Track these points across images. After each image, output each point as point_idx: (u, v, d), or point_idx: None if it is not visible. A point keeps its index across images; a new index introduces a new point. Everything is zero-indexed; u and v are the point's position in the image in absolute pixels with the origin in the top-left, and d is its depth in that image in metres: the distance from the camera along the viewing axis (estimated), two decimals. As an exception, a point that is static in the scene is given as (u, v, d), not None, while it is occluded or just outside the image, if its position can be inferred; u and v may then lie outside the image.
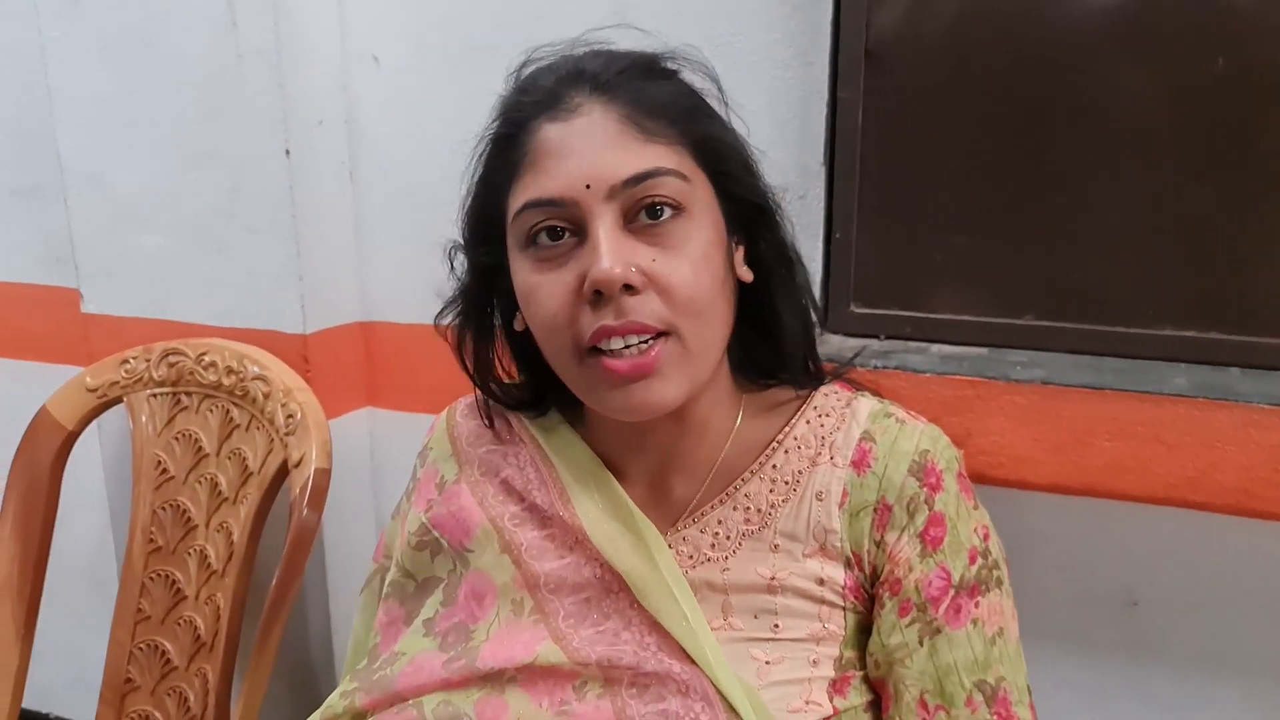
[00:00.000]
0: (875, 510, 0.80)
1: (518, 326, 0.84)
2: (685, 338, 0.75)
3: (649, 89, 0.77)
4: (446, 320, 0.90)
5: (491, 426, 0.92)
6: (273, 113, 1.28)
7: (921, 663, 0.78)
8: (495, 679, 0.82)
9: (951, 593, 0.79)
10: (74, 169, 1.40)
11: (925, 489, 0.80)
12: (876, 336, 1.18)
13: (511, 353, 0.91)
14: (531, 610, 0.83)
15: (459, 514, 0.89)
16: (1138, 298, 1.08)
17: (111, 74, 1.35)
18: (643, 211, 0.74)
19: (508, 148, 0.79)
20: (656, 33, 0.85)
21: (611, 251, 0.72)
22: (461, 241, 0.86)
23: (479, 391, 0.92)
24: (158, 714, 1.33)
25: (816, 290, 1.20)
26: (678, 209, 0.75)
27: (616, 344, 0.73)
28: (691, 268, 0.75)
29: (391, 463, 1.47)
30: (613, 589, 0.82)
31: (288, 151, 1.29)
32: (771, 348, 0.87)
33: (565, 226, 0.75)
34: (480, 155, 0.83)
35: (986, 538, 0.82)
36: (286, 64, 1.28)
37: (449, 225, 1.34)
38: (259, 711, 1.14)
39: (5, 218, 1.62)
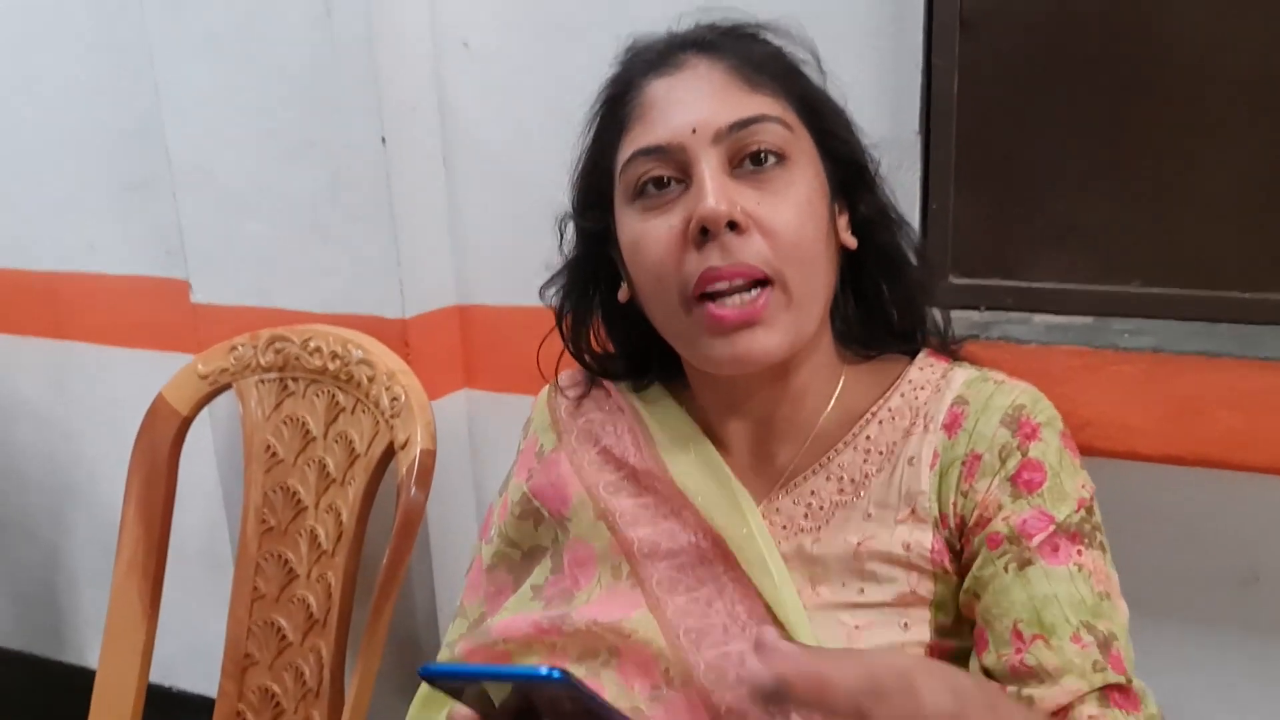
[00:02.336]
0: (964, 462, 0.78)
1: (622, 297, 0.85)
2: (790, 285, 0.75)
3: (754, 47, 0.81)
4: (550, 292, 0.92)
5: (588, 395, 0.94)
6: (368, 101, 1.31)
7: (1015, 591, 0.73)
8: (590, 654, 0.84)
9: (1052, 529, 0.75)
10: (182, 163, 1.45)
11: (1019, 438, 0.78)
12: (977, 308, 1.16)
13: (610, 329, 0.92)
14: (628, 574, 0.85)
15: (557, 482, 0.91)
16: (1252, 260, 1.04)
17: (215, 69, 1.39)
18: (748, 158, 0.76)
19: (617, 106, 0.82)
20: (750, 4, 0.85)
21: (717, 190, 0.73)
22: (571, 210, 0.88)
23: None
24: (276, 687, 1.38)
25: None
26: (781, 157, 0.76)
27: (722, 286, 0.74)
28: (796, 213, 0.75)
29: (489, 443, 1.49)
30: (706, 556, 0.83)
31: (384, 140, 1.32)
32: (875, 317, 0.87)
33: (672, 175, 0.77)
34: (590, 121, 0.85)
35: (1092, 498, 0.78)
36: (380, 53, 1.30)
37: (541, 208, 1.35)
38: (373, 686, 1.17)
39: (118, 212, 1.68)
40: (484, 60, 1.36)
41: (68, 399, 1.84)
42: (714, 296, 0.75)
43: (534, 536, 0.95)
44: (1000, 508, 0.76)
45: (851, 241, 0.83)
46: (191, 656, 1.69)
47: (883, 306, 0.87)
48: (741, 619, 0.80)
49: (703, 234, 0.74)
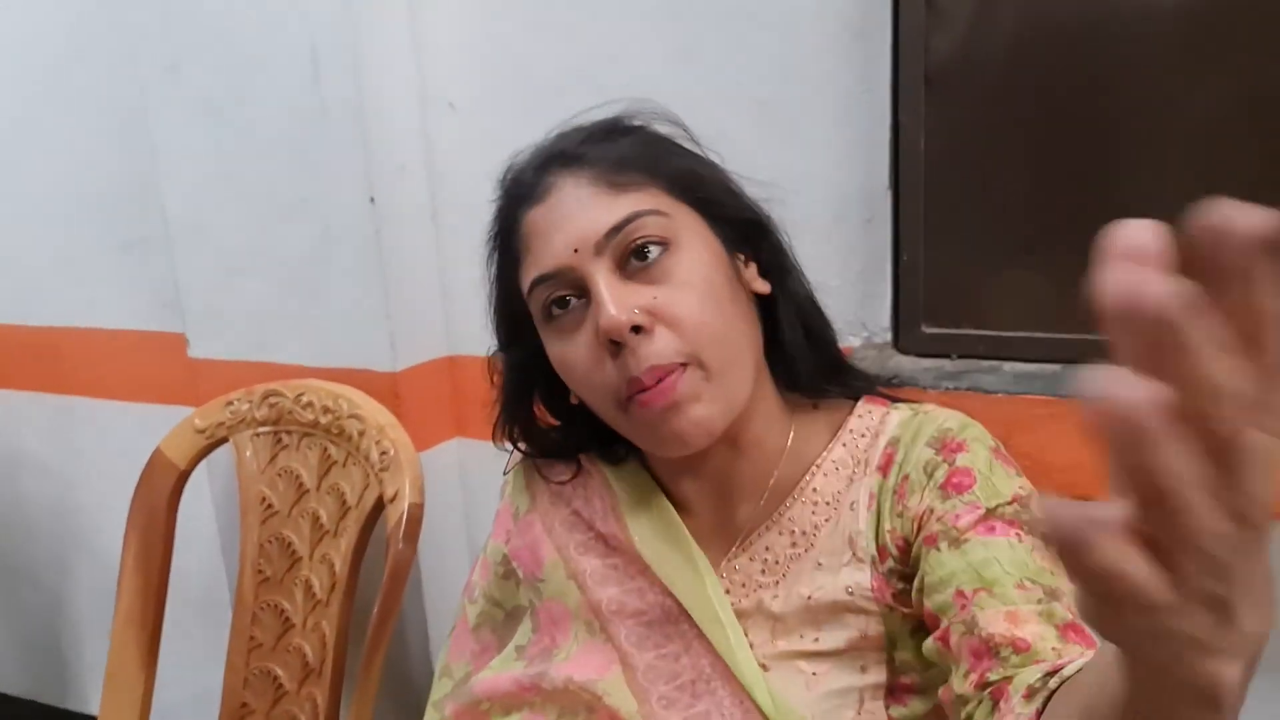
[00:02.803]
0: (895, 491, 0.80)
1: (574, 400, 0.88)
2: (706, 363, 0.77)
3: (612, 148, 0.81)
4: (499, 430, 0.94)
5: (566, 465, 0.96)
6: (356, 161, 1.35)
7: (952, 563, 0.73)
8: (569, 713, 0.86)
9: (982, 512, 0.75)
10: (179, 221, 1.49)
11: (944, 454, 0.79)
12: (949, 356, 1.19)
13: (565, 428, 0.93)
14: (600, 630, 0.88)
15: (532, 544, 0.94)
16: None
17: (210, 131, 1.43)
18: (632, 256, 0.77)
19: (507, 243, 0.85)
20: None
21: (611, 299, 0.76)
22: (497, 343, 0.91)
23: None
24: (272, 736, 1.40)
25: (886, 312, 1.21)
26: (664, 244, 0.78)
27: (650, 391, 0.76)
28: (695, 295, 0.77)
29: (482, 490, 1.52)
30: (672, 615, 0.85)
31: (372, 199, 1.36)
32: (804, 360, 0.89)
33: (570, 293, 0.79)
34: (487, 259, 0.88)
35: (1031, 498, 0.77)
36: (368, 114, 1.34)
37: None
38: (365, 735, 1.19)
39: (117, 269, 1.72)
40: (469, 119, 1.40)
41: (70, 451, 1.88)
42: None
43: (515, 596, 0.97)
44: (932, 511, 0.77)
45: (763, 287, 0.85)
46: (193, 703, 1.71)
47: (807, 346, 0.88)
48: (706, 673, 0.83)
49: (613, 344, 0.76)
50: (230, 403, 1.45)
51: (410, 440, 1.28)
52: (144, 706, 1.45)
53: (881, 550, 0.80)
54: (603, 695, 0.84)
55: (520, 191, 0.84)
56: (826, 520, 0.84)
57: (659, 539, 0.87)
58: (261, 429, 1.42)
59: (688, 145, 0.86)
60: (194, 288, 1.52)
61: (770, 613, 0.84)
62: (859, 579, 0.80)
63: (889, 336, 1.22)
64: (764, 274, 0.86)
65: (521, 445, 0.94)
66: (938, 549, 0.75)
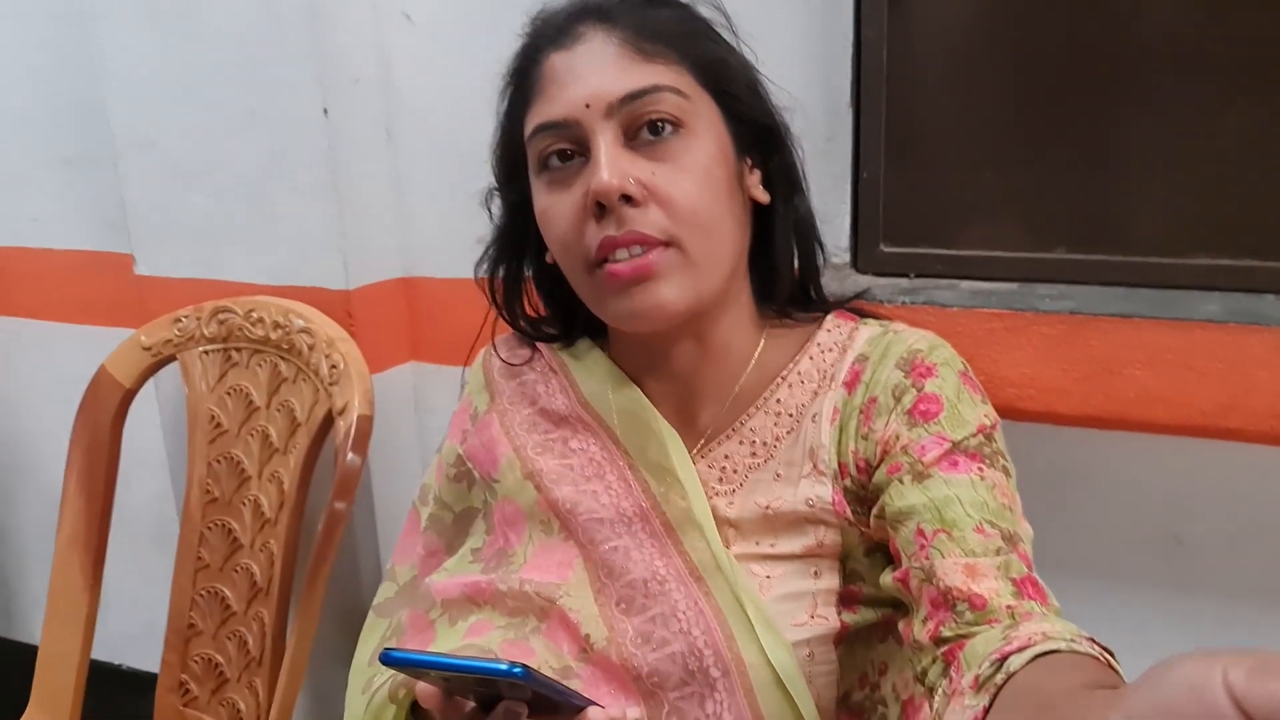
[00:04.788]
0: (861, 410, 0.80)
1: (548, 259, 0.87)
2: (687, 249, 0.77)
3: (650, 14, 0.80)
4: (483, 266, 0.93)
5: (525, 360, 0.95)
6: (310, 73, 1.31)
7: (914, 497, 0.74)
8: (519, 614, 0.86)
9: (947, 447, 0.75)
10: (124, 135, 1.45)
11: (913, 377, 0.79)
12: (907, 275, 1.18)
13: (539, 290, 0.94)
14: (559, 529, 0.87)
15: (489, 444, 0.93)
16: (1170, 227, 1.07)
17: (156, 40, 1.38)
18: (644, 128, 0.77)
19: (522, 81, 0.83)
20: None
21: (609, 164, 0.75)
22: (494, 183, 0.89)
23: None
24: (219, 657, 1.38)
25: (845, 232, 1.21)
26: (677, 125, 0.77)
27: (621, 255, 0.76)
28: (693, 181, 0.77)
29: (435, 414, 1.50)
30: (626, 515, 0.85)
31: (326, 111, 1.32)
32: (788, 275, 0.89)
33: (572, 148, 0.78)
34: (501, 93, 0.86)
35: (995, 428, 0.79)
36: (322, 24, 1.31)
37: (486, 180, 1.37)
38: (310, 650, 1.18)
39: (58, 186, 1.68)
40: (426, 32, 1.36)
41: (11, 375, 1.84)
42: (613, 259, 0.77)
43: (466, 498, 0.96)
44: (898, 438, 0.77)
45: (764, 197, 0.85)
46: (140, 634, 1.68)
47: (785, 263, 0.87)
48: (660, 574, 0.82)
49: (600, 208, 0.76)
50: (178, 320, 1.41)
51: (361, 354, 1.26)
52: (87, 631, 1.43)
53: (843, 467, 0.81)
54: (559, 599, 0.83)
55: (547, 33, 0.82)
56: (788, 432, 0.84)
57: (630, 412, 0.87)
58: (210, 346, 1.39)
59: (725, 35, 0.85)
60: (141, 204, 1.48)
61: (725, 518, 0.84)
62: (820, 492, 0.81)
63: (847, 257, 1.21)
64: (767, 185, 0.85)
65: (499, 301, 0.93)
66: (900, 481, 0.75)
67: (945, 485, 0.74)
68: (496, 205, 0.91)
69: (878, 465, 0.78)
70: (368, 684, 0.91)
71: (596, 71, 0.77)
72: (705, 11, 0.85)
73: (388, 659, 0.59)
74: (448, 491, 0.97)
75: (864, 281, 1.18)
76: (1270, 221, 1.03)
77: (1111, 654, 0.62)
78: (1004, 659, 0.61)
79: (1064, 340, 1.03)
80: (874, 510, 0.77)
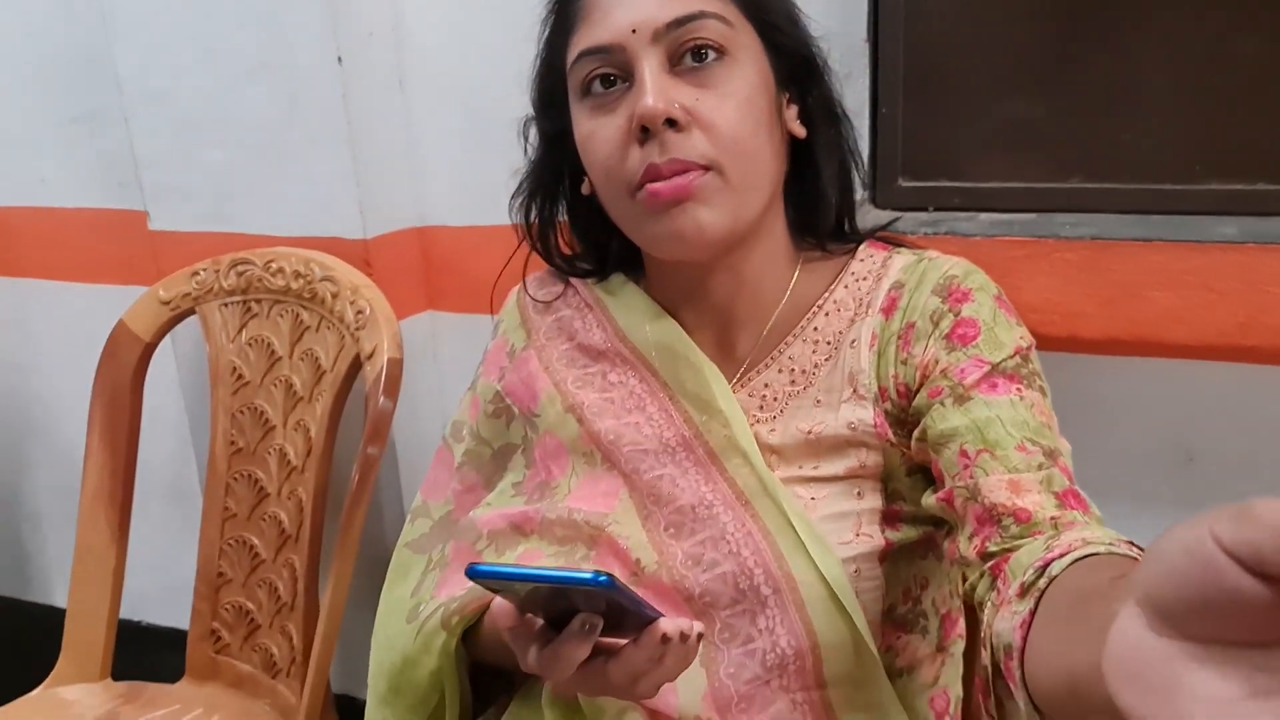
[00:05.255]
0: (900, 335, 0.82)
1: (585, 190, 0.88)
2: (727, 173, 0.78)
3: None
4: (517, 202, 0.94)
5: (559, 295, 0.97)
6: (324, 22, 1.31)
7: (956, 419, 0.75)
8: (568, 542, 0.87)
9: (986, 369, 0.77)
10: (134, 89, 1.44)
11: (949, 302, 0.81)
12: (925, 209, 1.20)
13: (574, 223, 0.95)
14: (602, 461, 0.88)
15: (527, 380, 0.94)
16: (1183, 155, 1.09)
17: (165, -8, 1.38)
18: (687, 55, 0.78)
19: (565, 7, 0.84)
20: None
21: (655, 89, 0.76)
22: (531, 112, 0.90)
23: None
24: (250, 604, 1.40)
25: (863, 167, 1.22)
26: (721, 52, 0.79)
27: (662, 184, 0.77)
28: (735, 108, 0.78)
29: (454, 362, 1.52)
30: (669, 445, 0.87)
31: (340, 60, 1.32)
32: (823, 207, 0.90)
33: (616, 73, 0.79)
34: (542, 21, 0.87)
35: (1031, 349, 0.81)
36: (335, -28, 1.31)
37: (498, 129, 1.37)
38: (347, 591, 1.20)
39: (68, 145, 1.67)
40: (439, -20, 1.37)
41: (24, 337, 1.84)
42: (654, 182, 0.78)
43: (505, 435, 0.97)
44: (937, 362, 0.79)
45: (800, 131, 0.86)
46: (162, 591, 1.69)
47: (827, 195, 0.89)
48: (707, 499, 0.84)
49: (644, 131, 0.77)
50: (196, 273, 1.42)
51: (386, 299, 1.27)
52: (115, 583, 1.45)
53: (883, 391, 0.82)
54: (607, 526, 0.85)
55: None
56: (826, 359, 0.85)
57: (669, 347, 0.89)
58: (230, 298, 1.40)
59: None
60: (152, 159, 1.47)
61: (768, 444, 0.85)
62: (861, 415, 0.83)
63: (866, 192, 1.23)
64: (804, 120, 0.86)
65: (533, 232, 0.94)
66: (941, 404, 0.77)
67: (986, 407, 0.75)
68: (533, 137, 0.92)
69: (917, 389, 0.80)
70: (412, 614, 0.92)
71: None
72: None
73: (474, 572, 0.60)
74: (486, 428, 0.98)
75: (884, 216, 1.19)
76: (1282, 146, 1.05)
77: None
78: (1046, 565, 0.63)
79: (1085, 265, 1.05)
80: (915, 433, 0.80)
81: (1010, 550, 0.70)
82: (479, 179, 1.42)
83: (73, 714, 1.37)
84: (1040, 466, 0.73)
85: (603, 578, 0.58)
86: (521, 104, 1.31)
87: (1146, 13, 1.07)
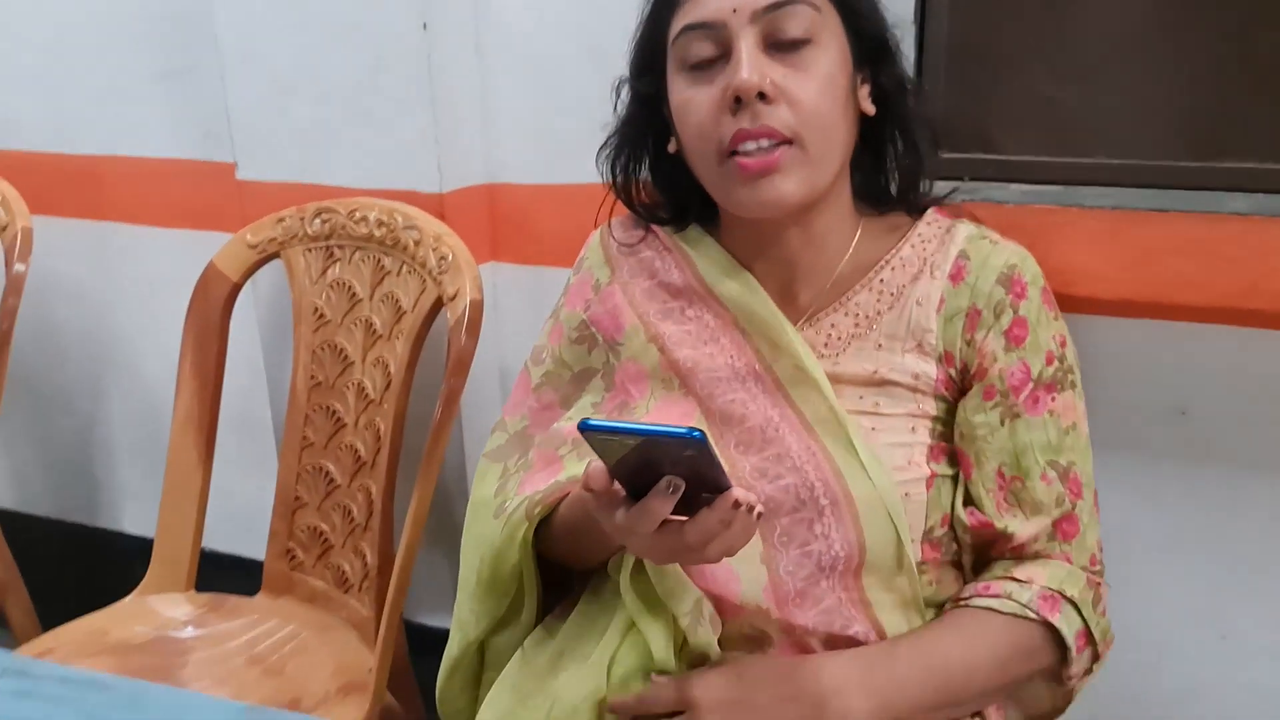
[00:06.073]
0: (967, 315, 0.96)
1: (671, 149, 1.00)
2: (808, 145, 0.90)
3: None
4: (604, 153, 1.06)
5: (641, 238, 1.08)
6: (411, -12, 1.42)
7: (1001, 440, 0.95)
8: None
9: (1030, 384, 0.95)
10: (230, 48, 1.55)
11: (1011, 295, 0.96)
12: (961, 178, 1.31)
13: (656, 178, 1.07)
14: (679, 386, 1.01)
15: (613, 311, 1.06)
16: (1201, 134, 1.20)
17: (264, -41, 1.49)
18: (779, 36, 0.90)
19: None
20: None
21: (750, 64, 0.88)
22: (628, 74, 1.02)
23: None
24: (324, 525, 1.53)
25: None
26: (810, 36, 0.90)
27: (749, 146, 0.89)
28: (818, 86, 0.90)
29: (513, 312, 1.63)
30: (740, 373, 0.99)
31: (425, 26, 1.44)
32: (887, 175, 1.02)
33: (715, 50, 0.91)
34: None
35: (1064, 344, 0.98)
36: (422, -58, 1.41)
37: (565, 93, 1.49)
38: (428, 510, 1.32)
39: (162, 98, 1.78)
40: (517, -48, 1.47)
41: (106, 277, 1.95)
42: (743, 152, 0.90)
43: (586, 360, 1.09)
44: (995, 359, 0.95)
45: (870, 109, 0.98)
46: (230, 520, 1.79)
47: (894, 165, 1.02)
48: (775, 422, 0.96)
49: (737, 101, 0.89)
50: (282, 219, 1.54)
51: (466, 247, 1.38)
52: (201, 503, 1.57)
53: (948, 355, 0.96)
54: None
55: None
56: (890, 308, 0.98)
57: (742, 294, 1.00)
58: (314, 244, 1.52)
59: None
60: (244, 113, 1.59)
61: (830, 374, 0.97)
62: (926, 369, 0.96)
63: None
64: (875, 97, 0.98)
65: (618, 183, 1.06)
66: (993, 411, 0.95)
67: (1026, 429, 0.95)
68: (624, 96, 1.04)
69: (975, 373, 0.96)
70: (499, 509, 1.03)
71: None
72: None
73: (585, 426, 0.72)
74: (568, 352, 1.10)
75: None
76: (1290, 130, 1.17)
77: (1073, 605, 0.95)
78: (970, 598, 0.96)
79: (1107, 232, 1.17)
80: (958, 419, 0.97)
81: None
82: (546, 140, 1.54)
83: (165, 618, 1.50)
84: (1057, 503, 0.95)
85: (696, 433, 0.70)
86: (587, 72, 1.44)
87: (1165, 5, 1.18)
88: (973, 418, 0.95)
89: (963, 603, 0.96)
